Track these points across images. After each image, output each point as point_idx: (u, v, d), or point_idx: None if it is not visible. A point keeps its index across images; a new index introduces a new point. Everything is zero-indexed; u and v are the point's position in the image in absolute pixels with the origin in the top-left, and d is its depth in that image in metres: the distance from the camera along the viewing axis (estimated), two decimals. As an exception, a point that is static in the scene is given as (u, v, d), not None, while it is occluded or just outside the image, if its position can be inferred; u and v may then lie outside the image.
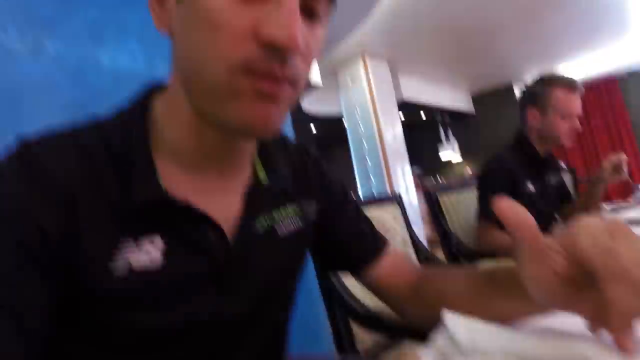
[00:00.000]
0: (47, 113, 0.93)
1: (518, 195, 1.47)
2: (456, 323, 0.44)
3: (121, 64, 1.07)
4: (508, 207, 0.37)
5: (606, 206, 1.50)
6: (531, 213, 1.36)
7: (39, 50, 0.92)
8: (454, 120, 7.03)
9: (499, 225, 1.34)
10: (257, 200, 0.48)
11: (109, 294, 0.37)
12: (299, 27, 0.35)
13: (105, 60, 1.04)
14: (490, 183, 1.51)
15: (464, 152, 7.23)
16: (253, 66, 0.36)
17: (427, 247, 1.48)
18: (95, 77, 1.01)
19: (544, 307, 0.40)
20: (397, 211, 1.43)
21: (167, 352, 0.42)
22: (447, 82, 5.78)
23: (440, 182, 5.60)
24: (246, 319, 0.46)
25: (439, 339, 0.42)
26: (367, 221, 0.64)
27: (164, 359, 0.42)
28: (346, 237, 0.60)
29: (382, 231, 1.36)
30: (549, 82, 1.49)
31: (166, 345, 0.41)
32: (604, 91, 5.93)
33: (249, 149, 0.49)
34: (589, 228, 0.33)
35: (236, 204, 0.47)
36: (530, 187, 1.51)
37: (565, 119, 1.47)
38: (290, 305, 0.56)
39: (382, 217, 1.37)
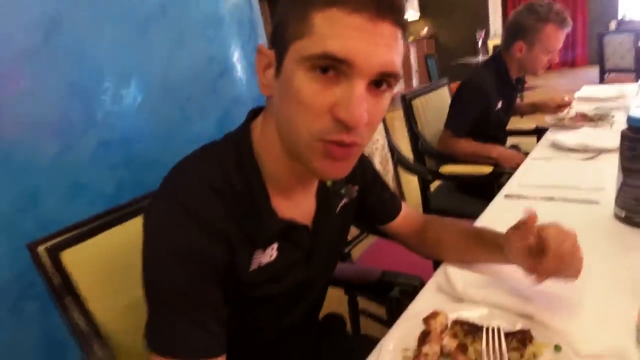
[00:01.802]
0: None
1: (488, 113, 1.73)
2: (456, 275, 0.72)
3: None
4: (532, 218, 0.59)
5: (548, 119, 1.79)
6: (497, 127, 1.72)
7: None
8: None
9: (462, 135, 1.65)
10: (325, 199, 0.67)
11: (248, 280, 0.59)
12: (363, 111, 0.47)
13: None
14: (465, 101, 1.72)
15: (423, 12, 7.07)
16: (327, 136, 0.49)
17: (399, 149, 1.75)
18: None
19: (508, 261, 0.67)
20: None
21: (276, 304, 0.66)
22: None
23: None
24: (318, 276, 0.71)
25: (444, 287, 0.71)
26: (388, 189, 0.85)
27: (274, 308, 0.66)
28: (376, 204, 0.82)
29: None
30: (544, 18, 1.57)
31: (274, 301, 0.65)
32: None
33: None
34: (556, 235, 0.59)
35: (312, 204, 0.66)
36: (499, 105, 1.76)
37: (548, 54, 1.64)
38: (339, 257, 0.80)
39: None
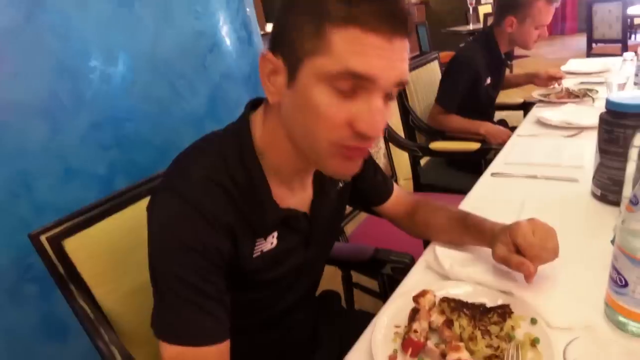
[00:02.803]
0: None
1: (478, 89, 1.76)
2: (443, 255, 0.76)
3: None
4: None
5: (535, 94, 1.82)
6: (486, 102, 1.78)
7: None
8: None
9: (452, 111, 1.70)
10: (322, 186, 0.70)
11: (251, 267, 0.62)
12: (382, 123, 0.51)
13: None
14: (454, 76, 1.75)
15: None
16: (346, 143, 0.52)
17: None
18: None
19: (492, 254, 0.71)
20: None
21: (277, 286, 0.70)
22: None
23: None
24: (316, 258, 0.75)
25: (433, 265, 0.75)
26: (381, 171, 0.88)
27: (274, 290, 0.70)
28: (369, 188, 0.85)
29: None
30: None
31: (276, 283, 0.69)
32: None
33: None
34: (522, 229, 0.64)
35: (309, 192, 0.69)
36: (488, 80, 1.79)
37: (538, 28, 1.67)
38: (336, 238, 0.84)
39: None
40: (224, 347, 0.55)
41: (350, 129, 0.51)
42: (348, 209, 1.44)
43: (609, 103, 0.86)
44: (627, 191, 0.76)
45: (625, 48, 3.95)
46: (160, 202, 0.57)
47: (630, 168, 0.75)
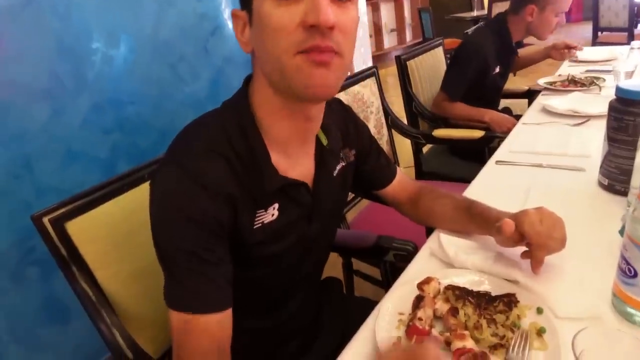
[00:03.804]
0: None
1: (485, 77, 1.73)
2: (448, 242, 0.76)
3: None
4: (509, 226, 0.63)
5: (542, 82, 1.79)
6: (492, 91, 1.75)
7: None
8: None
9: (457, 99, 1.67)
10: (323, 159, 0.69)
11: (252, 239, 0.62)
12: (327, 8, 0.49)
13: None
14: (462, 64, 1.71)
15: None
16: (305, 46, 0.51)
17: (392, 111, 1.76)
18: None
19: (495, 239, 0.71)
20: (374, 85, 1.62)
21: (280, 263, 0.69)
22: None
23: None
24: (320, 235, 0.73)
25: (437, 252, 0.75)
26: (384, 155, 0.87)
27: (277, 267, 0.70)
28: (372, 170, 0.84)
29: (361, 103, 1.60)
30: None
31: (278, 259, 0.69)
32: None
33: (317, 126, 0.67)
34: (530, 217, 0.63)
35: (311, 164, 0.68)
36: (497, 69, 1.76)
37: (558, 16, 1.63)
38: (340, 221, 0.84)
39: (362, 92, 1.57)
40: (226, 315, 0.56)
41: (303, 29, 0.51)
42: (349, 195, 1.45)
43: (619, 90, 0.84)
44: (636, 181, 0.75)
45: (631, 37, 3.90)
46: (161, 174, 0.57)
47: (640, 157, 0.74)
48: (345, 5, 0.53)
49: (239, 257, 0.61)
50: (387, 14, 6.62)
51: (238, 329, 0.58)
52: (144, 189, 0.79)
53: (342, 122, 0.77)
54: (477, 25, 1.82)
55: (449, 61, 1.83)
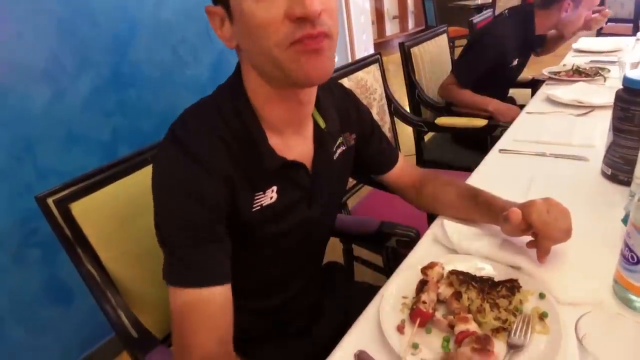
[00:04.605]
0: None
1: (502, 68, 1.71)
2: (451, 228, 0.76)
3: None
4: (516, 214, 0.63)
5: (546, 71, 1.78)
6: (506, 81, 1.72)
7: None
8: None
9: (466, 86, 1.65)
10: (321, 141, 0.69)
11: (251, 220, 0.62)
12: (308, 6, 0.48)
13: None
14: (479, 53, 1.69)
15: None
16: (295, 37, 0.50)
17: (396, 99, 1.75)
18: None
19: (500, 228, 0.71)
20: (377, 72, 1.61)
21: (279, 244, 0.69)
22: None
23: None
24: (320, 218, 0.73)
25: (440, 238, 0.75)
26: (386, 139, 0.87)
27: (278, 250, 0.70)
28: (373, 154, 0.84)
29: (364, 90, 1.59)
30: None
31: (278, 241, 0.69)
32: None
33: (311, 109, 0.66)
34: (537, 207, 0.63)
35: (309, 147, 0.68)
36: (515, 62, 1.74)
37: (589, 10, 1.62)
38: (341, 205, 0.84)
39: (365, 79, 1.56)
40: (226, 289, 0.57)
41: (290, 21, 0.50)
42: (351, 182, 1.45)
43: (626, 80, 0.84)
44: (640, 170, 0.75)
45: (637, 28, 3.86)
46: (160, 154, 0.59)
47: (645, 147, 0.74)
48: None
49: (238, 238, 0.62)
50: (389, 0, 6.54)
51: (239, 309, 0.59)
52: (147, 172, 0.78)
53: (342, 105, 0.77)
54: (500, 14, 1.77)
55: (465, 46, 1.79)
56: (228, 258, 0.59)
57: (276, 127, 0.62)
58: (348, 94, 0.81)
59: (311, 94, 0.64)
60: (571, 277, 0.63)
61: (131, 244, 0.78)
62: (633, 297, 0.56)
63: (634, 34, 2.67)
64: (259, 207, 0.62)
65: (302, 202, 0.68)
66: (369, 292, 0.67)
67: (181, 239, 0.56)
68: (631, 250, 0.55)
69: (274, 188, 0.63)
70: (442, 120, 1.69)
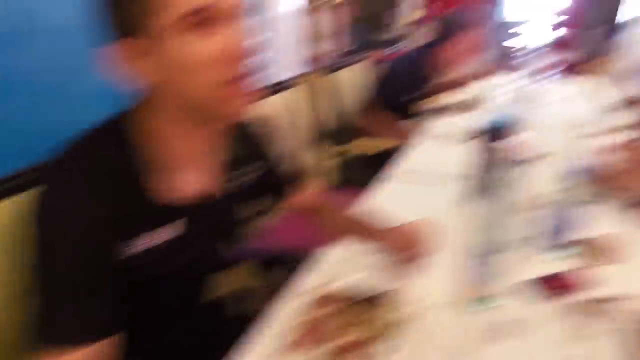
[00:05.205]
0: None
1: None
2: (332, 252, 0.83)
3: None
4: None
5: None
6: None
7: None
8: None
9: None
10: (229, 172, 0.70)
11: (141, 260, 0.60)
12: (242, 43, 0.52)
13: None
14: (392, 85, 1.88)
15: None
16: (227, 77, 0.53)
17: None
18: None
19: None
20: (300, 94, 1.72)
21: (176, 280, 0.67)
22: None
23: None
24: (221, 250, 0.75)
25: (323, 263, 0.82)
26: (292, 165, 0.90)
27: (173, 284, 0.68)
28: (278, 182, 0.87)
29: (285, 112, 1.59)
30: None
31: (176, 277, 0.66)
32: None
33: (223, 141, 0.68)
34: (399, 231, 0.77)
35: (216, 178, 0.67)
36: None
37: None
38: (243, 236, 0.84)
39: (289, 100, 1.62)
40: (110, 344, 0.55)
41: (223, 62, 0.52)
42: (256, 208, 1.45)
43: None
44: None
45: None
46: (43, 201, 0.54)
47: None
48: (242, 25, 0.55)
49: (130, 278, 0.60)
50: (320, 22, 6.70)
51: (129, 349, 0.58)
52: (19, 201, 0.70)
53: (252, 133, 0.80)
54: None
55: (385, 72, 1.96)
56: (117, 309, 0.56)
57: (182, 161, 0.62)
58: (258, 120, 0.83)
59: (228, 126, 0.67)
60: (430, 284, 0.77)
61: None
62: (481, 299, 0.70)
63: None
64: (153, 245, 0.61)
65: (203, 236, 0.68)
66: (256, 323, 0.69)
67: (56, 290, 0.52)
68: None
69: (176, 223, 0.63)
70: (357, 144, 1.85)
